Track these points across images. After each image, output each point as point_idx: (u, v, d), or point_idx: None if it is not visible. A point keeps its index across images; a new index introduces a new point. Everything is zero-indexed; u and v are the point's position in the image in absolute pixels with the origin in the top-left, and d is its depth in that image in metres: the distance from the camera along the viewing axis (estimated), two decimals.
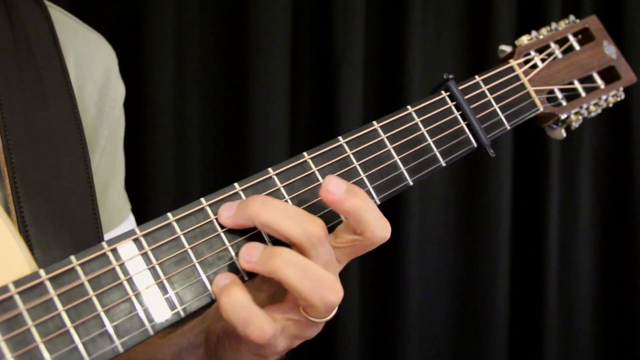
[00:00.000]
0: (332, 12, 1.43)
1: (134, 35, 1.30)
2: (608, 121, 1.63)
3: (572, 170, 1.64)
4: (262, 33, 1.37)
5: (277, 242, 0.54)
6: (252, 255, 0.53)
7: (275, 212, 0.52)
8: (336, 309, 0.53)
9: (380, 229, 0.54)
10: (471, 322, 1.63)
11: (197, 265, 0.53)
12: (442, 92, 0.66)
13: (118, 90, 0.80)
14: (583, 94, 0.75)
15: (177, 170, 1.35)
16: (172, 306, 0.51)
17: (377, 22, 1.50)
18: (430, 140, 0.64)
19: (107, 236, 0.78)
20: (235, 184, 0.56)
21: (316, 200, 0.58)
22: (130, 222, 0.84)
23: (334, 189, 0.53)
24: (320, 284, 0.50)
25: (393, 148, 0.62)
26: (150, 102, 1.31)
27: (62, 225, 0.63)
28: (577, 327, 1.69)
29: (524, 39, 0.74)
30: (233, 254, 0.54)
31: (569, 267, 1.66)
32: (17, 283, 0.47)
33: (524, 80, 0.71)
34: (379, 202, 0.60)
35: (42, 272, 0.48)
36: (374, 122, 0.62)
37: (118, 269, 0.50)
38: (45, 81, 0.68)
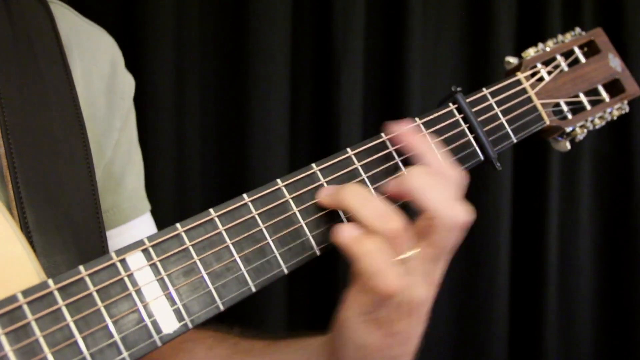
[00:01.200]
0: (332, 12, 1.42)
1: (133, 35, 1.30)
2: (608, 122, 1.63)
3: (572, 171, 1.63)
4: (262, 33, 1.36)
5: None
6: (327, 190, 0.58)
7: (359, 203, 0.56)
8: (413, 252, 0.55)
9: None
10: (471, 322, 1.63)
11: (205, 277, 0.53)
12: (450, 104, 0.66)
13: (126, 81, 0.79)
14: (588, 107, 0.76)
15: (177, 171, 1.34)
16: (180, 318, 0.51)
17: (377, 23, 1.49)
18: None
19: (136, 222, 0.79)
20: (244, 195, 0.56)
21: (325, 212, 0.58)
22: (149, 219, 0.84)
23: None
24: (380, 212, 0.54)
25: (401, 161, 0.62)
26: (150, 102, 1.30)
27: (65, 231, 0.62)
28: (577, 327, 1.68)
29: (531, 51, 0.74)
30: (241, 265, 0.54)
31: (569, 267, 1.65)
32: (25, 293, 0.47)
33: (531, 93, 0.71)
34: None
35: (50, 282, 0.48)
36: (382, 134, 0.62)
37: (127, 280, 0.50)
38: (47, 81, 0.67)
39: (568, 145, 0.75)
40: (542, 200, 1.60)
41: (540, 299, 1.62)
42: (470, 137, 0.66)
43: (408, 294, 0.56)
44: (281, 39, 1.37)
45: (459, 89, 0.66)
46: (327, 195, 0.57)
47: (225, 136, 1.39)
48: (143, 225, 0.80)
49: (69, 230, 0.62)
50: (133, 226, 0.79)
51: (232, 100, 1.39)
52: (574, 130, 0.75)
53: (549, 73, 0.74)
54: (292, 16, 1.39)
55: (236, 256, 0.54)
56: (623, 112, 0.79)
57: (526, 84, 0.71)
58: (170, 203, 1.29)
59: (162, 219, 0.79)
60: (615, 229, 1.69)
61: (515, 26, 1.55)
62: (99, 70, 0.75)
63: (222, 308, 0.53)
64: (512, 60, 0.75)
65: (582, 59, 0.77)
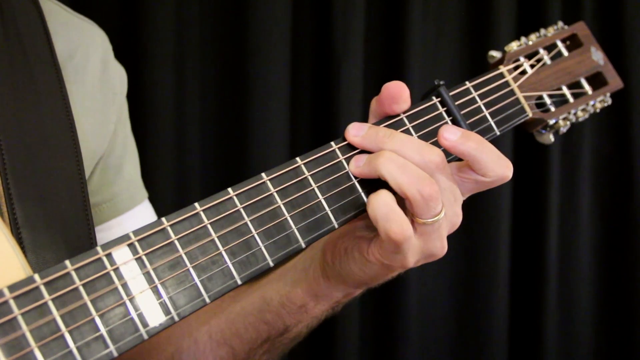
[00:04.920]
0: (332, 12, 1.43)
1: (134, 35, 1.31)
2: (608, 121, 1.62)
3: (572, 170, 1.64)
4: (262, 33, 1.37)
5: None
6: (359, 160, 0.60)
7: (399, 142, 0.58)
8: (440, 215, 0.58)
9: (499, 167, 0.60)
10: (471, 322, 1.63)
11: (191, 270, 0.53)
12: (433, 97, 0.67)
13: (117, 74, 0.81)
14: (571, 100, 0.76)
15: (177, 171, 1.35)
16: (167, 311, 0.52)
17: (377, 22, 1.50)
18: None
19: (135, 211, 0.81)
20: (229, 189, 0.57)
21: (309, 205, 0.58)
22: (148, 206, 0.85)
23: (449, 135, 0.59)
24: (417, 178, 0.56)
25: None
26: (150, 102, 1.31)
27: (54, 227, 0.63)
28: (577, 327, 1.68)
29: (514, 45, 0.75)
30: (227, 258, 0.55)
31: (569, 267, 1.66)
32: (11, 288, 0.48)
33: (514, 86, 0.71)
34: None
35: (37, 276, 0.48)
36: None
37: (112, 274, 0.51)
38: (38, 80, 0.68)
39: (552, 138, 0.76)
40: (542, 200, 1.60)
41: (540, 298, 1.62)
42: None
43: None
44: (281, 39, 1.38)
45: (441, 82, 0.66)
46: (358, 163, 0.60)
47: (225, 136, 1.40)
48: (142, 214, 0.82)
49: (58, 226, 0.63)
50: (133, 215, 0.80)
51: (232, 100, 1.39)
52: (557, 122, 0.75)
53: (532, 66, 0.74)
54: (292, 16, 1.40)
55: (221, 249, 0.55)
56: (606, 104, 0.79)
57: (509, 77, 0.72)
58: (170, 203, 1.30)
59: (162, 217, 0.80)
60: (615, 229, 1.69)
61: (515, 27, 1.56)
62: (91, 67, 0.76)
63: (208, 301, 0.53)
64: (495, 54, 0.75)
65: (565, 53, 0.78)
